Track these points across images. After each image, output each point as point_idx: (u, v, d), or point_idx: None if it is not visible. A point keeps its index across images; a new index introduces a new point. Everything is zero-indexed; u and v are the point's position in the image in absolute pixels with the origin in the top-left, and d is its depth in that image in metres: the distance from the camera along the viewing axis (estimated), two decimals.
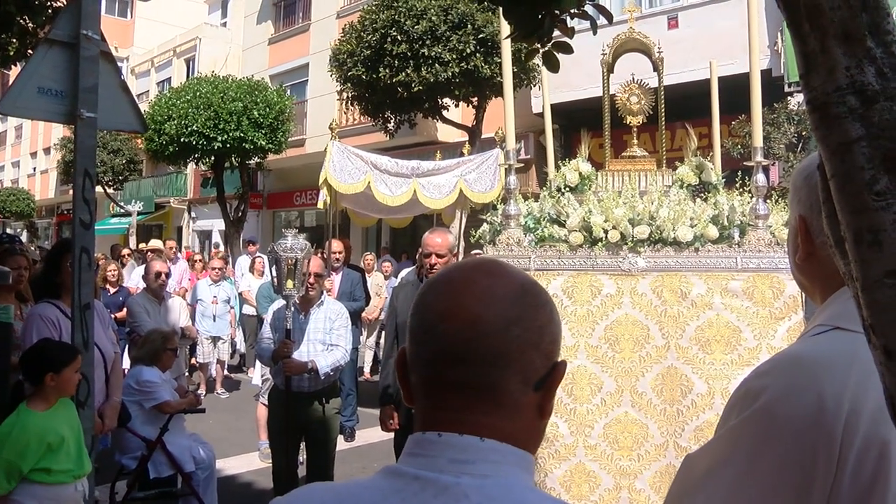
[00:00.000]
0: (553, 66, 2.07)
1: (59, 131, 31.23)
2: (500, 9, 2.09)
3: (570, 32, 2.04)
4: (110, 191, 28.36)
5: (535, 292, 1.03)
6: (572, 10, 1.97)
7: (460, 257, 9.87)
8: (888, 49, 0.88)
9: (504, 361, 0.96)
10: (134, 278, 11.03)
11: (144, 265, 9.77)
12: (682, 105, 6.27)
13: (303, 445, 5.33)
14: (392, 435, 5.25)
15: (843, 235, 0.90)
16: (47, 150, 37.88)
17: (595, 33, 2.04)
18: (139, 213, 26.62)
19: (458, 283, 1.01)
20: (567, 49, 2.06)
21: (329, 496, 0.99)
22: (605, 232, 3.80)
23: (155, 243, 14.48)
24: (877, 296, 0.87)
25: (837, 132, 0.89)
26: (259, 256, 11.93)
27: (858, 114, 0.87)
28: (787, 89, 12.08)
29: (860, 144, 0.87)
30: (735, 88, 5.19)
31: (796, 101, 11.54)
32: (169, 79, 30.05)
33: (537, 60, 2.13)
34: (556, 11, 1.90)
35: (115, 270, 9.85)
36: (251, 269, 11.99)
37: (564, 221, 3.93)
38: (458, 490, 0.90)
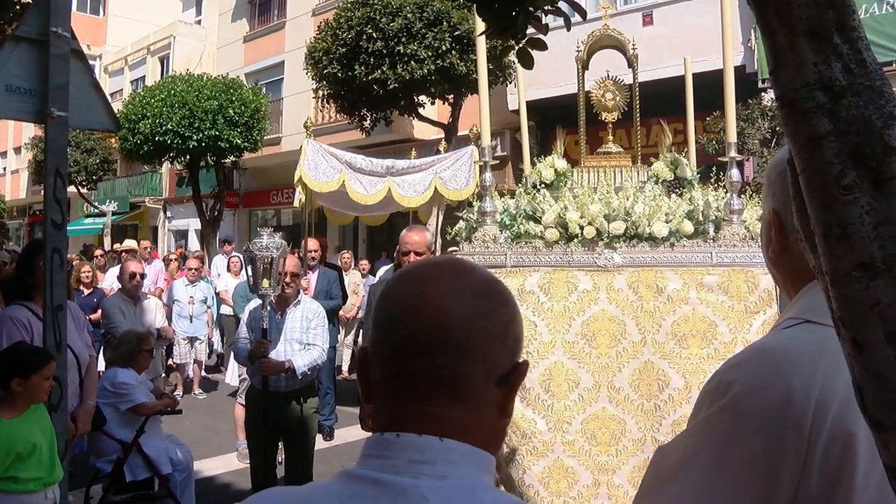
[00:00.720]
0: (527, 62, 2.07)
1: (30, 130, 30.79)
2: (475, 6, 2.09)
3: (544, 29, 2.05)
4: (84, 191, 28.02)
5: (500, 290, 1.04)
6: (546, 7, 1.97)
7: (437, 254, 9.85)
8: (854, 45, 0.89)
9: (470, 353, 0.96)
10: (108, 279, 10.91)
11: (119, 266, 9.68)
12: (658, 101, 6.29)
13: (281, 445, 5.30)
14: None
15: (813, 229, 0.91)
16: (18, 150, 37.32)
17: (569, 30, 2.04)
18: (114, 213, 26.33)
19: (425, 277, 1.02)
20: (541, 46, 2.06)
21: (286, 502, 0.99)
22: (581, 228, 3.81)
23: (129, 243, 14.33)
24: (846, 289, 0.88)
25: (806, 127, 0.89)
26: (235, 256, 11.86)
27: (826, 109, 0.88)
28: (760, 85, 12.19)
29: (828, 139, 0.88)
30: (709, 85, 5.22)
31: (770, 97, 11.64)
32: (143, 77, 29.75)
33: (512, 57, 2.13)
34: (530, 8, 1.90)
35: (88, 272, 9.74)
36: (228, 268, 11.92)
37: (540, 218, 3.93)
38: (416, 493, 0.90)
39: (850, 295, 0.88)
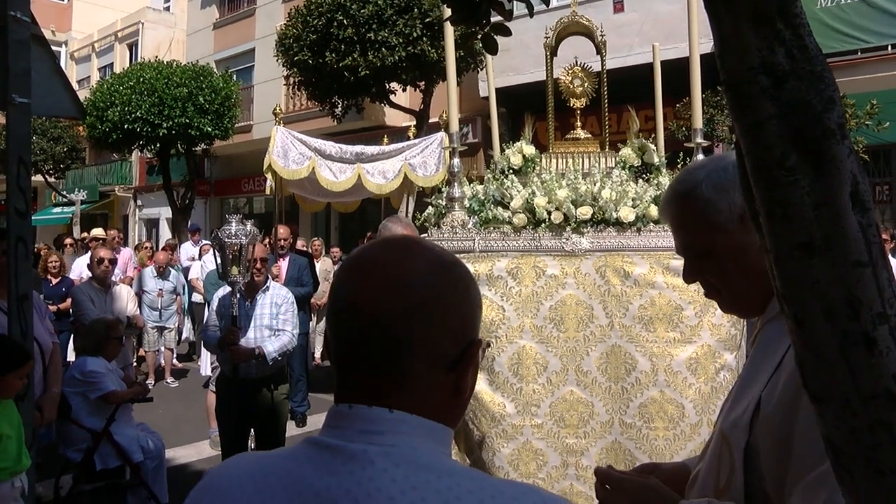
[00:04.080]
0: (492, 48, 2.08)
1: None
2: None
3: (508, 15, 2.06)
4: (52, 179, 27.64)
5: (445, 272, 1.05)
6: None
7: None
8: (796, 31, 0.91)
9: (405, 348, 0.99)
10: (76, 269, 10.79)
11: (89, 254, 9.59)
12: (628, 88, 6.34)
13: (253, 432, 5.31)
14: None
15: (758, 210, 0.94)
16: None
17: (532, 16, 2.06)
18: (83, 203, 26.02)
19: (364, 270, 1.04)
20: (505, 31, 2.07)
21: (253, 464, 1.03)
22: (549, 213, 3.83)
23: (97, 232, 14.15)
24: (787, 267, 0.91)
25: (750, 111, 0.92)
26: (206, 243, 11.79)
27: (769, 93, 0.90)
28: None
29: (771, 122, 0.90)
30: (680, 71, 5.26)
31: None
32: (111, 64, 29.32)
33: (477, 44, 2.14)
34: None
35: (56, 261, 9.63)
36: (200, 255, 11.85)
37: (508, 203, 3.96)
38: (364, 457, 0.94)
39: (791, 273, 0.90)
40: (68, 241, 13.89)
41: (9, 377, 3.51)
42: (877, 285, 0.88)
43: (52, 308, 8.01)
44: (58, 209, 29.61)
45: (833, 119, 0.89)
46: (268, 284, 5.28)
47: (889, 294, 0.89)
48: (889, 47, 11.61)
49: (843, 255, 0.88)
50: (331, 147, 8.57)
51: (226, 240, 4.80)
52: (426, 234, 4.21)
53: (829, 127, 0.89)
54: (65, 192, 27.14)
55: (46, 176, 26.66)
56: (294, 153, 8.10)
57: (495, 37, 2.07)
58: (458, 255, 4.17)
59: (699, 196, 1.51)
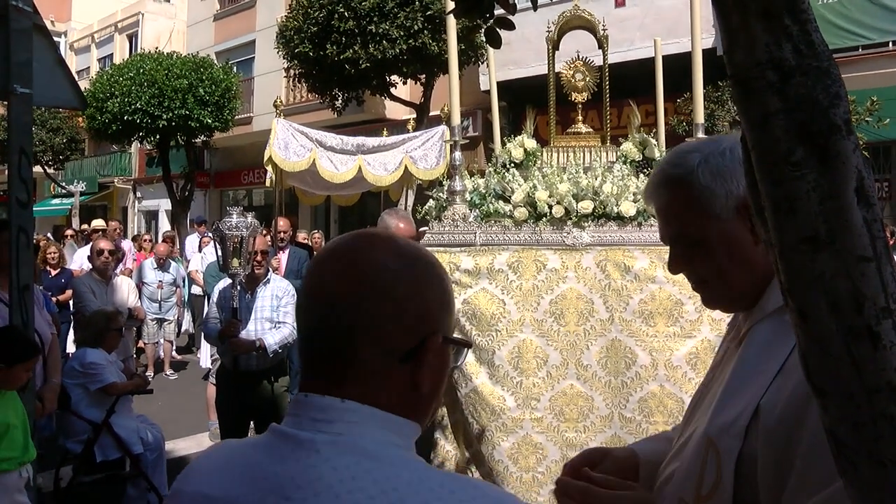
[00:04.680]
0: (495, 41, 2.08)
1: None
2: None
3: (512, 9, 2.06)
4: (51, 171, 27.61)
5: (407, 265, 1.06)
6: None
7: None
8: (803, 27, 0.92)
9: (357, 335, 1.01)
10: (76, 260, 10.79)
11: (89, 245, 9.58)
12: (629, 83, 6.34)
13: (252, 424, 5.31)
14: None
15: (763, 204, 0.94)
16: None
17: (535, 9, 2.06)
18: (82, 194, 25.96)
19: (326, 261, 1.08)
20: (508, 25, 2.07)
21: (228, 451, 1.09)
22: (550, 207, 3.84)
23: (97, 223, 14.13)
24: (792, 261, 0.92)
25: (757, 106, 0.92)
26: (207, 236, 11.79)
27: (776, 88, 0.91)
28: None
29: (778, 117, 0.91)
30: (681, 66, 5.25)
31: None
32: (111, 55, 29.26)
33: (480, 37, 2.15)
34: None
35: (55, 252, 9.63)
36: (199, 248, 11.85)
37: (509, 197, 3.96)
38: (311, 446, 0.98)
39: (796, 267, 0.91)
40: (69, 232, 13.88)
41: (16, 369, 3.53)
42: (881, 280, 0.88)
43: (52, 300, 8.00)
44: (57, 200, 29.59)
45: (839, 114, 0.89)
46: (268, 277, 5.29)
47: (893, 289, 0.89)
48: (890, 44, 11.61)
49: (847, 250, 0.88)
50: (332, 138, 8.56)
51: (227, 232, 4.80)
52: (426, 228, 4.22)
53: (834, 122, 0.89)
54: (64, 184, 27.09)
55: (45, 167, 26.64)
56: (295, 145, 8.09)
57: (498, 30, 2.08)
58: (458, 248, 4.14)
59: (695, 182, 1.43)
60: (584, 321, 3.76)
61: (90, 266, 8.13)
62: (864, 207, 0.88)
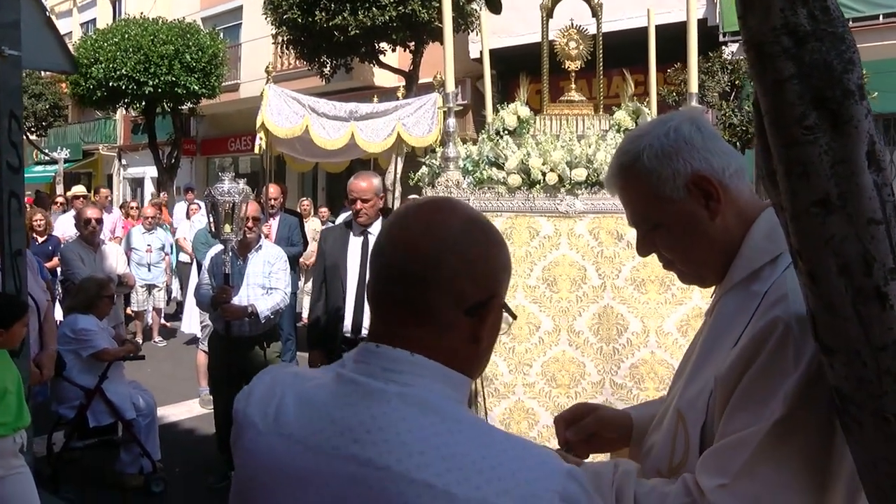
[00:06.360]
0: (495, 7, 2.09)
1: None
2: None
3: None
4: (33, 137, 27.26)
5: (480, 229, 1.15)
6: None
7: (398, 202, 9.86)
8: None
9: (434, 282, 1.08)
10: (59, 227, 10.70)
11: (73, 212, 9.50)
12: (620, 52, 6.31)
13: None
14: None
15: (775, 168, 0.96)
16: None
17: None
18: (66, 161, 25.70)
19: (407, 216, 1.16)
20: None
21: (290, 387, 1.15)
22: (543, 174, 3.85)
23: (78, 189, 13.96)
24: (803, 224, 0.94)
25: (771, 70, 0.94)
26: (196, 203, 11.72)
27: (791, 53, 0.92)
28: (721, 39, 12.25)
29: (792, 82, 0.92)
30: (671, 37, 5.24)
31: (730, 50, 11.71)
32: (94, 20, 28.76)
33: (475, 5, 2.14)
34: None
35: (41, 219, 9.55)
36: (188, 216, 11.79)
37: (503, 164, 3.97)
38: (382, 395, 1.05)
39: (807, 230, 0.94)
40: (59, 199, 13.74)
41: (16, 326, 3.58)
42: (890, 242, 0.91)
43: None
44: (40, 167, 29.26)
45: (853, 80, 0.91)
46: (261, 243, 5.29)
47: None
48: (880, 17, 11.59)
49: (858, 213, 0.91)
50: (324, 105, 8.49)
51: (218, 197, 4.78)
52: (417, 196, 4.23)
53: (848, 88, 0.91)
54: (47, 151, 26.77)
55: (27, 133, 26.32)
56: (287, 111, 8.03)
57: None
58: None
59: (641, 168, 1.43)
60: (576, 288, 3.79)
61: (74, 232, 8.07)
62: (874, 171, 0.90)
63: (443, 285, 1.08)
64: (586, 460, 1.67)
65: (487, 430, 1.05)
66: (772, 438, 1.19)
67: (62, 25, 30.47)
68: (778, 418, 1.19)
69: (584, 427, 1.68)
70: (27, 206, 9.44)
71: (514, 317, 1.26)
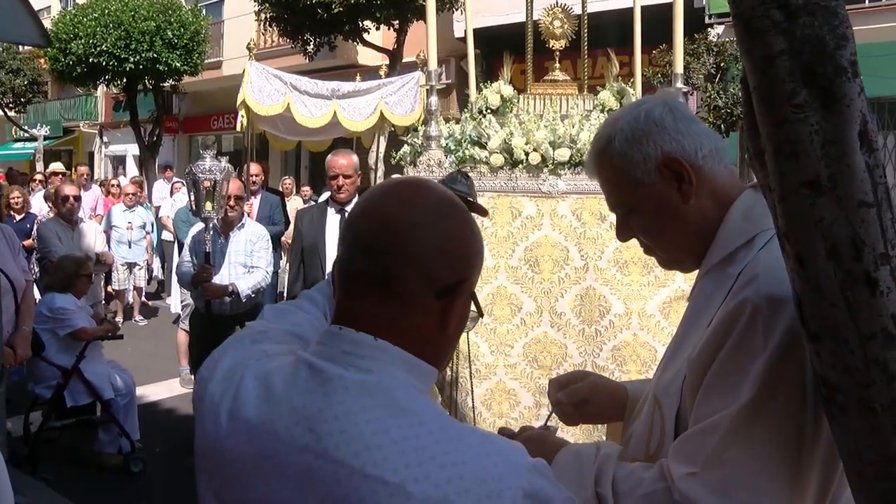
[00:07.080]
0: None
1: None
2: None
3: None
4: (12, 114, 26.87)
5: (457, 212, 1.11)
6: None
7: (380, 180, 9.78)
8: None
9: (405, 257, 1.04)
10: (37, 204, 10.55)
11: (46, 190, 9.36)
12: (605, 32, 6.26)
13: None
14: None
15: (763, 147, 0.93)
16: None
17: None
18: (46, 138, 25.34)
19: (382, 191, 1.13)
20: None
21: (252, 367, 1.10)
22: (526, 154, 3.81)
23: (55, 166, 13.74)
24: (791, 205, 0.90)
25: (761, 45, 0.90)
26: (178, 181, 11.60)
27: (782, 28, 0.89)
28: (707, 21, 12.22)
29: (782, 58, 0.88)
30: (657, 18, 5.20)
31: (716, 32, 11.69)
32: None
33: None
34: None
35: (18, 197, 9.41)
36: (171, 194, 11.67)
37: (485, 143, 3.92)
38: (340, 382, 1.01)
39: (795, 211, 0.90)
40: (38, 176, 13.54)
41: None
42: (881, 226, 0.88)
43: None
44: (19, 144, 28.87)
45: (846, 56, 0.88)
46: (243, 221, 5.23)
47: (892, 235, 0.89)
48: (867, 0, 11.59)
49: (848, 195, 0.87)
50: (306, 82, 8.40)
51: (199, 175, 4.71)
52: (399, 175, 4.18)
53: (840, 64, 0.88)
54: (26, 127, 26.40)
55: (6, 109, 25.93)
56: (269, 89, 7.93)
57: None
58: None
59: (613, 152, 1.43)
60: (558, 269, 3.77)
61: (49, 210, 7.96)
62: (866, 152, 0.87)
63: (412, 262, 1.04)
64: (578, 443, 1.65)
65: (450, 423, 1.00)
66: (742, 421, 1.18)
67: (39, 0, 30.01)
68: (746, 401, 1.17)
69: (576, 390, 1.66)
70: (2, 183, 9.31)
71: (482, 314, 1.23)
